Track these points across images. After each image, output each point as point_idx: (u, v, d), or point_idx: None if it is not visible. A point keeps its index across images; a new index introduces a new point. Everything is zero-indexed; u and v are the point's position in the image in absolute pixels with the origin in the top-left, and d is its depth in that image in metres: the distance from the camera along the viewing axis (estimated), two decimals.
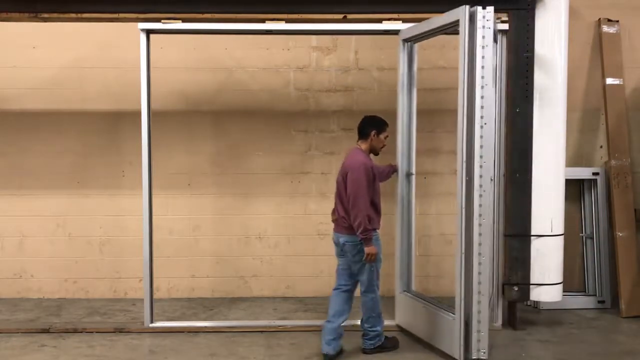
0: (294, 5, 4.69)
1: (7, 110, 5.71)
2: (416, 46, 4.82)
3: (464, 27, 4.02)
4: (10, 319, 5.11)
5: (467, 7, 4.01)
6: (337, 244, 4.32)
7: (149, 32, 4.73)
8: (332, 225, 4.38)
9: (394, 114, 4.75)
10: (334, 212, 4.39)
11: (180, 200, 5.75)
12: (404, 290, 4.82)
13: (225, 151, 5.77)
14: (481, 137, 4.03)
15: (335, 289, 4.37)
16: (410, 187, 4.81)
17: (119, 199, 5.73)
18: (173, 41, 5.49)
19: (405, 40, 4.73)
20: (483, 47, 3.99)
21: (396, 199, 4.77)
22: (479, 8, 4.00)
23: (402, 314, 4.82)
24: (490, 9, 4.02)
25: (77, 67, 5.67)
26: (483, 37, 3.99)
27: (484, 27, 3.99)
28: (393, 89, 4.80)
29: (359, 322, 4.46)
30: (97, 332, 4.78)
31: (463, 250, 4.09)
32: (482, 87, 4.01)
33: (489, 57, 4.01)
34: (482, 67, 4.00)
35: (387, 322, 4.66)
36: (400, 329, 4.81)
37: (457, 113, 4.10)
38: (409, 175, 4.80)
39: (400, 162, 4.76)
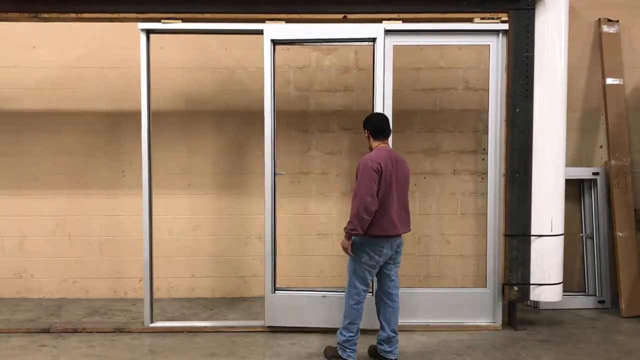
0: (294, 5, 4.70)
1: (7, 110, 5.71)
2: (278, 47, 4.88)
3: (381, 44, 4.65)
4: (10, 319, 5.11)
5: (383, 26, 4.63)
6: (390, 251, 3.99)
7: (149, 32, 4.73)
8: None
9: (395, 113, 4.76)
10: (394, 224, 3.92)
11: (180, 200, 5.76)
12: (276, 290, 4.80)
13: (225, 151, 5.78)
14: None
15: (362, 303, 4.04)
16: (276, 188, 4.78)
17: (119, 199, 5.73)
18: (173, 41, 5.50)
19: (276, 42, 4.71)
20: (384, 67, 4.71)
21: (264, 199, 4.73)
22: (384, 36, 4.64)
23: (277, 313, 4.75)
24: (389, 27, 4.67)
25: (77, 67, 5.68)
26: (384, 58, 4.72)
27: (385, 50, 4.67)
28: (394, 89, 4.79)
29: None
30: (97, 332, 4.78)
31: None
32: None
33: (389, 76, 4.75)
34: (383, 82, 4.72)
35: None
36: (271, 329, 4.77)
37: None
38: (276, 175, 4.78)
39: (269, 163, 4.71)
